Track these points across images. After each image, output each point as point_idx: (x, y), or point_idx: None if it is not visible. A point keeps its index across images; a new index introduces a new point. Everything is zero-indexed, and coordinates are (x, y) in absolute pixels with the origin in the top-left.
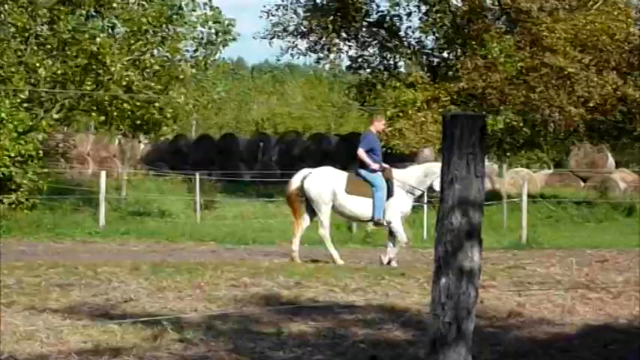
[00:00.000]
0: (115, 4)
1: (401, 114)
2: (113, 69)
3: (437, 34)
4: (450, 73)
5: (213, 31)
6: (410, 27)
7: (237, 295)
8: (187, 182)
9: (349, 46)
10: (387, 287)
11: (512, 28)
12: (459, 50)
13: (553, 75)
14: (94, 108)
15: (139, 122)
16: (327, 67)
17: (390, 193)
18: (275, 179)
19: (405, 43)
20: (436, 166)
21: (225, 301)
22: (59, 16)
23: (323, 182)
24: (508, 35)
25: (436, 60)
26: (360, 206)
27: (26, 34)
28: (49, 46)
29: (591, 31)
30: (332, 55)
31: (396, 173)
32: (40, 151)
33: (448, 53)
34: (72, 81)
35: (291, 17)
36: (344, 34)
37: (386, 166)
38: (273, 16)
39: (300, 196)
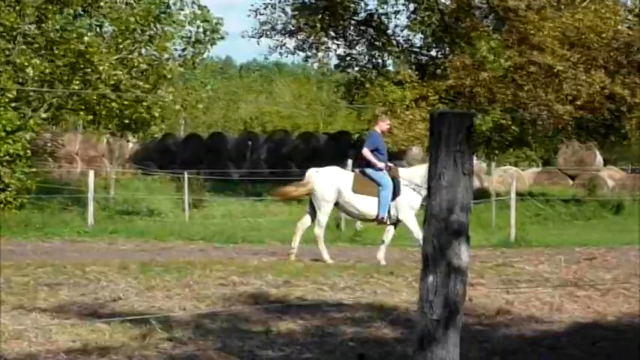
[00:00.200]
0: (102, 3)
1: (389, 112)
2: (101, 68)
3: (425, 33)
4: (439, 71)
5: (201, 29)
6: (398, 25)
7: (225, 294)
8: (176, 181)
9: (337, 44)
10: (376, 285)
11: (500, 27)
12: (447, 48)
13: (541, 73)
14: (82, 107)
15: (127, 121)
16: (315, 65)
17: (396, 192)
18: (264, 178)
19: (393, 42)
20: None
21: (213, 300)
22: (47, 15)
23: (328, 181)
24: (496, 34)
25: (424, 58)
26: (366, 205)
27: (14, 33)
28: (37, 45)
29: (579, 29)
30: (320, 54)
31: (402, 172)
32: (29, 151)
33: (436, 52)
34: (60, 80)
35: (279, 16)
36: (332, 33)
37: (391, 165)
38: (261, 14)
39: (307, 194)
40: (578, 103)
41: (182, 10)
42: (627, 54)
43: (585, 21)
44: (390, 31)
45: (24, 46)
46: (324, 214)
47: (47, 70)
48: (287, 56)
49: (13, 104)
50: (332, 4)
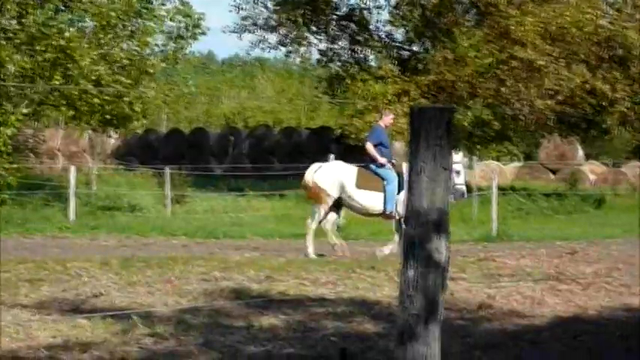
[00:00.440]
0: None
1: (371, 107)
2: (82, 63)
3: (407, 28)
4: (420, 66)
5: (183, 25)
6: (380, 20)
7: (207, 289)
8: (158, 177)
9: (319, 39)
10: (358, 280)
11: (482, 21)
12: (429, 43)
13: (523, 68)
14: (64, 102)
15: (108, 117)
16: (297, 60)
17: (401, 187)
18: (246, 173)
19: (375, 37)
20: None
21: (195, 296)
22: (28, 10)
23: (331, 176)
24: (479, 31)
25: (406, 53)
26: (369, 200)
27: None
28: (18, 41)
29: (560, 24)
30: (302, 49)
31: (406, 167)
32: (10, 147)
33: (418, 46)
34: (41, 75)
35: (261, 11)
36: (314, 28)
37: (394, 161)
38: (242, 9)
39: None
40: (560, 97)
41: (164, 5)
42: (608, 48)
43: (566, 16)
44: (371, 26)
45: (4, 42)
46: (322, 208)
47: (28, 66)
48: (269, 51)
49: None
50: None
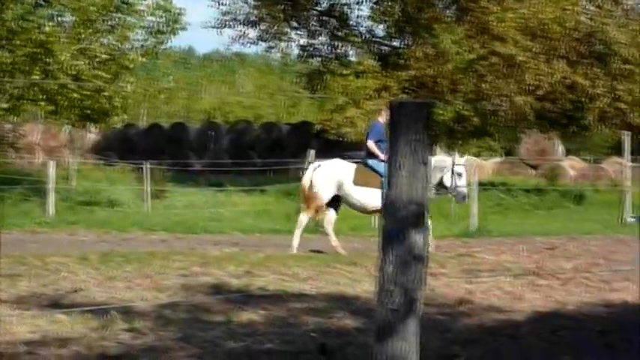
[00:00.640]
0: None
1: (351, 102)
2: (62, 58)
3: (387, 23)
4: (401, 61)
5: (162, 19)
6: (360, 16)
7: (186, 285)
8: (137, 172)
9: (299, 34)
10: (337, 276)
11: (462, 17)
12: (410, 39)
13: (503, 64)
14: (43, 97)
15: (87, 111)
16: (277, 56)
17: None
18: (225, 168)
19: (355, 32)
20: (447, 161)
21: (174, 291)
22: (6, 4)
23: (329, 174)
24: (459, 27)
25: (386, 49)
26: (367, 197)
27: None
28: None
29: (541, 20)
30: (282, 44)
31: None
32: None
33: (399, 42)
34: (20, 70)
35: (241, 6)
36: (294, 23)
37: None
38: (222, 4)
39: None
40: (540, 93)
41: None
42: (588, 45)
43: (547, 12)
44: (352, 22)
45: None
46: (317, 203)
47: (7, 61)
48: (249, 46)
49: None
50: None
